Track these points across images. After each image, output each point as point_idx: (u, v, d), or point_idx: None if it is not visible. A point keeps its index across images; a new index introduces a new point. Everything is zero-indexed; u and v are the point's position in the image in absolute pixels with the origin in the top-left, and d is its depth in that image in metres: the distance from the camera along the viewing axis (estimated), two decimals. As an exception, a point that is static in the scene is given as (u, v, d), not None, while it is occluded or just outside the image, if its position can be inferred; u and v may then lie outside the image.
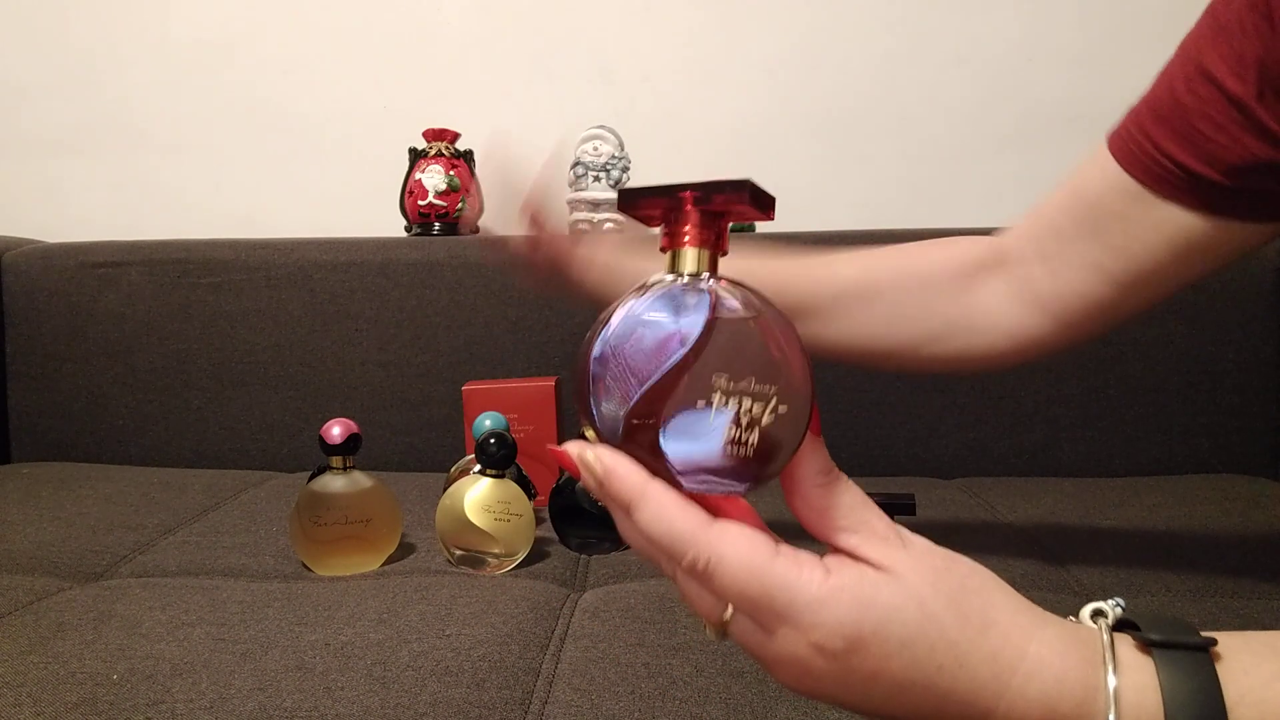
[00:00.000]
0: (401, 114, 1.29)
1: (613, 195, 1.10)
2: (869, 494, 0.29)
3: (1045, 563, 0.72)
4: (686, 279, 0.29)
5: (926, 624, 0.26)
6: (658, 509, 0.27)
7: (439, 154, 1.17)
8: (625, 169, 1.16)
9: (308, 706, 0.49)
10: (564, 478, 0.78)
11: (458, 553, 0.72)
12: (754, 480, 0.28)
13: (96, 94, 1.33)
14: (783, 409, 0.27)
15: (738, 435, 0.26)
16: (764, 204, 0.29)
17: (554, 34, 1.28)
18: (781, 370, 0.27)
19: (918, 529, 0.30)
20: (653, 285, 0.29)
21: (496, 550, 0.72)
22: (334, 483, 0.71)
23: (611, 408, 0.27)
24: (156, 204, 1.35)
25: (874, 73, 1.26)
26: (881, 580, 0.27)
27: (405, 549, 0.77)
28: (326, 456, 0.72)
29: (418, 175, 1.17)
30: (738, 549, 0.27)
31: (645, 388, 0.26)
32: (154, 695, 0.50)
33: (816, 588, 0.26)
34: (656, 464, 0.28)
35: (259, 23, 1.31)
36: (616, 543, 0.79)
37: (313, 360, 1.10)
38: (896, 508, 0.69)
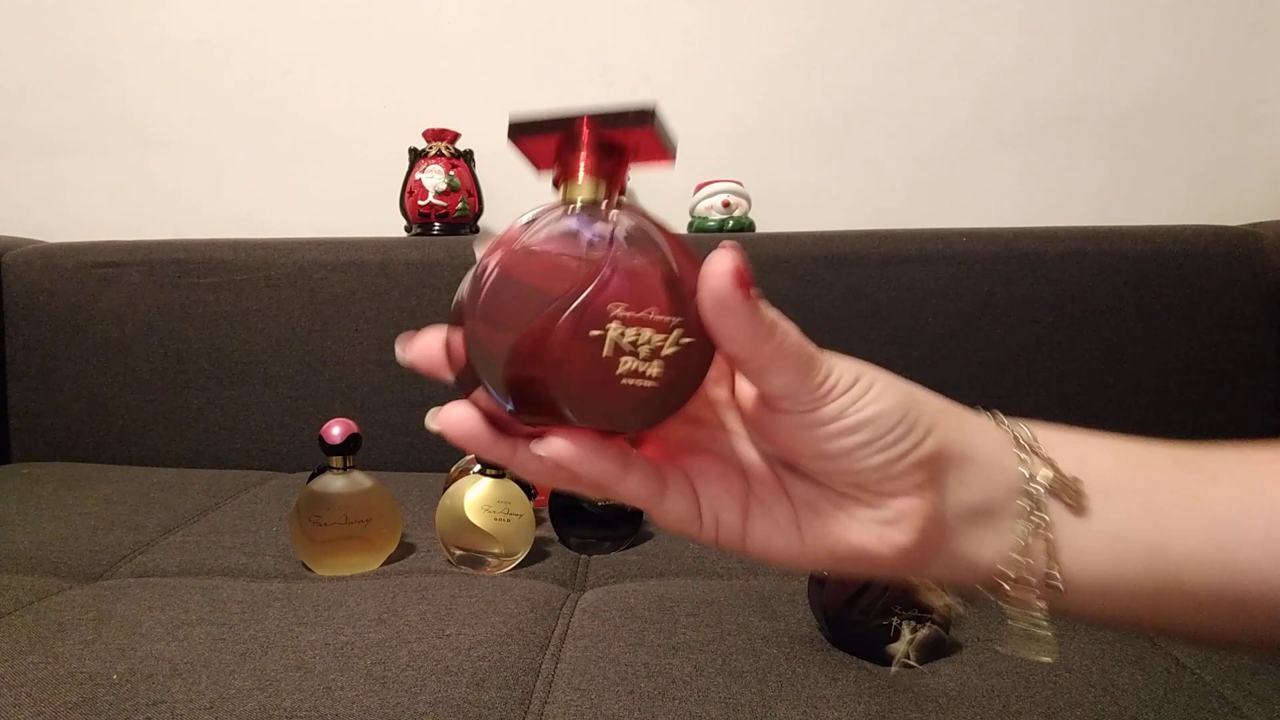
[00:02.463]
0: (401, 114, 1.29)
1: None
2: None
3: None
4: (580, 207, 0.27)
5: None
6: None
7: (439, 154, 1.17)
8: (625, 169, 1.16)
9: (308, 706, 0.49)
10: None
11: (458, 553, 0.72)
12: (652, 418, 0.26)
13: (96, 94, 1.33)
14: (686, 341, 0.25)
15: (636, 367, 0.25)
16: (667, 143, 0.28)
17: (554, 34, 1.28)
18: (686, 301, 0.25)
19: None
20: (543, 214, 0.27)
21: (496, 550, 0.72)
22: (334, 483, 0.71)
23: (498, 349, 0.25)
24: (156, 204, 1.35)
25: (874, 73, 1.26)
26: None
27: (405, 549, 0.77)
28: (326, 456, 0.72)
29: (418, 175, 1.17)
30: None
31: (537, 320, 0.24)
32: (154, 695, 0.50)
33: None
34: (545, 405, 0.25)
35: (259, 22, 1.31)
36: (616, 543, 0.79)
37: (313, 360, 1.10)
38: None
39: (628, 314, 0.24)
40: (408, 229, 1.20)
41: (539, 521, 0.78)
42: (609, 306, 0.24)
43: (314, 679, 0.52)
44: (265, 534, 0.81)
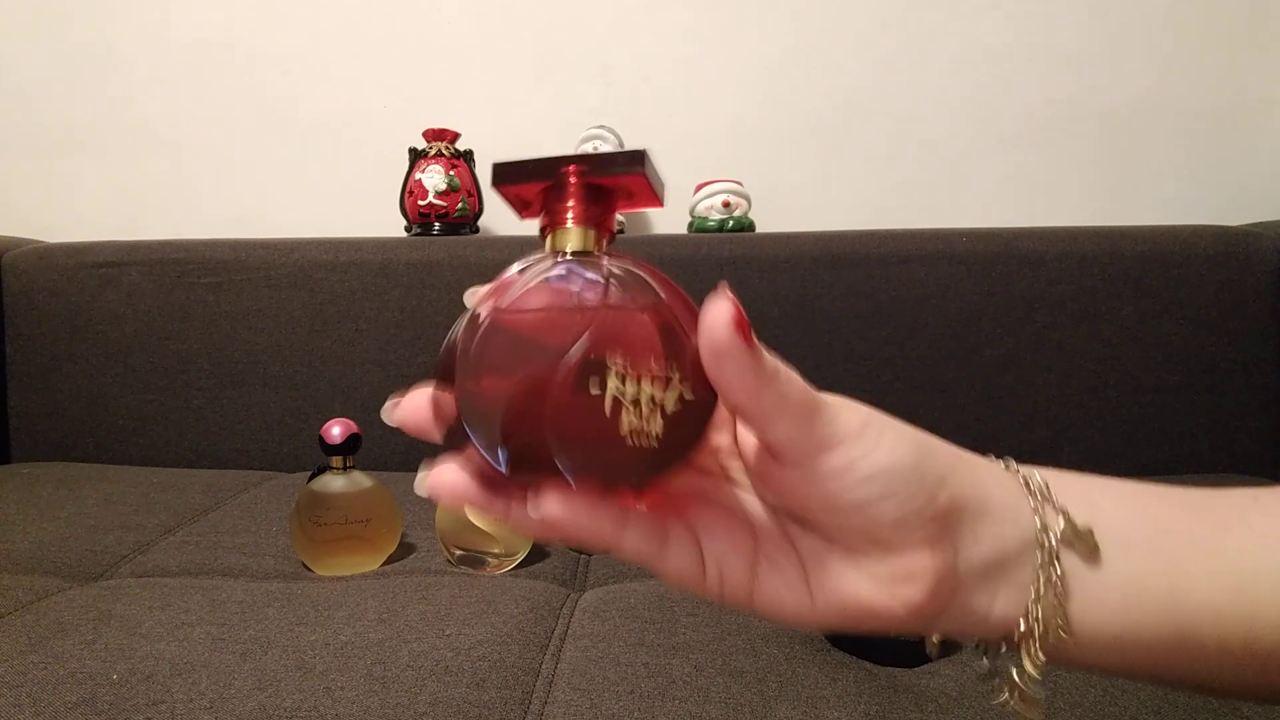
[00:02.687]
0: (401, 114, 1.29)
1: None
2: None
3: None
4: (571, 256, 0.26)
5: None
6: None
7: (439, 154, 1.17)
8: (625, 169, 1.16)
9: (308, 706, 0.49)
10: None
11: (458, 553, 0.72)
12: (653, 473, 0.25)
13: (97, 94, 1.33)
14: (687, 393, 0.24)
15: (637, 422, 0.23)
16: (657, 187, 0.27)
17: (554, 34, 1.28)
18: (685, 351, 0.24)
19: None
20: (531, 266, 0.25)
21: (496, 550, 0.72)
22: (334, 483, 0.71)
23: (491, 406, 0.23)
24: (156, 204, 1.35)
25: (874, 73, 1.26)
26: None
27: (405, 549, 0.77)
28: (326, 456, 0.72)
29: (418, 175, 1.17)
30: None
31: (531, 376, 0.23)
32: (154, 695, 0.50)
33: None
34: (541, 463, 0.24)
35: (259, 23, 1.31)
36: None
37: (313, 360, 1.10)
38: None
39: (626, 367, 0.23)
40: (408, 229, 1.20)
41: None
42: (607, 360, 0.23)
43: (314, 679, 0.52)
44: (265, 534, 0.81)
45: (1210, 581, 0.27)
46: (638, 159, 0.26)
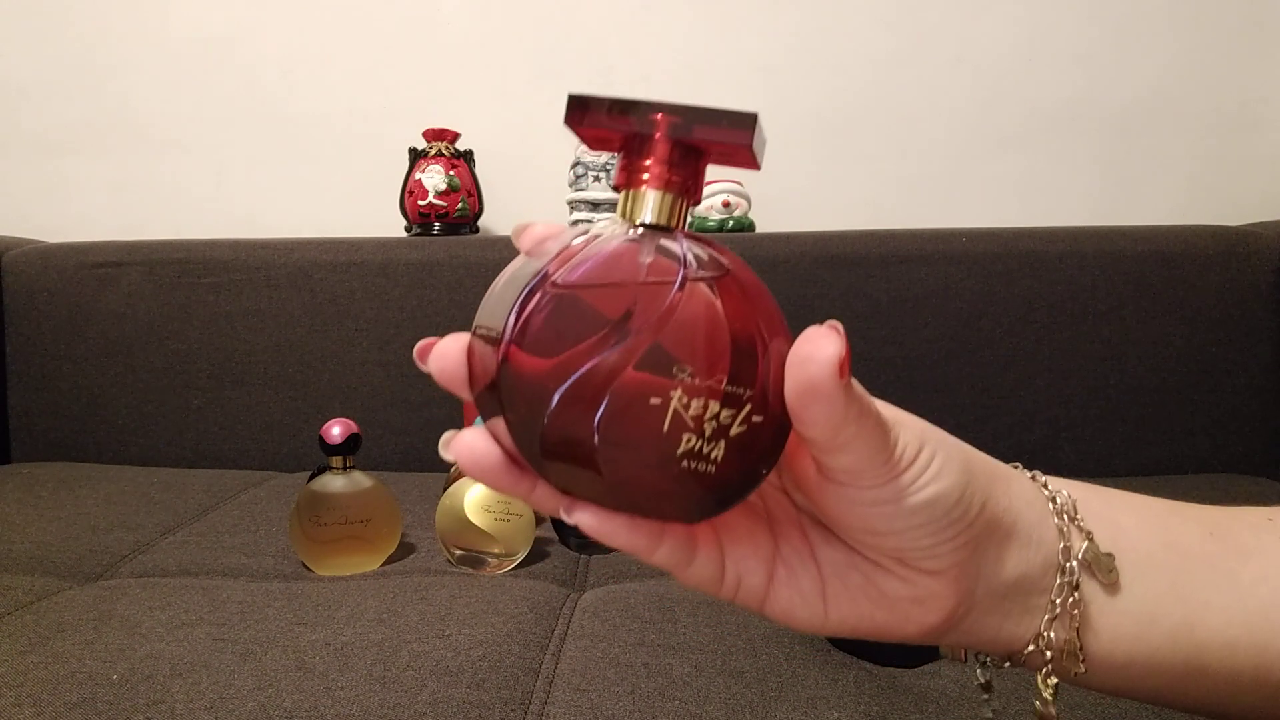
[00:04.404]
0: (401, 114, 1.29)
1: (614, 197, 1.10)
2: None
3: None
4: (643, 231, 0.22)
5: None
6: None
7: (439, 154, 1.17)
8: (625, 169, 1.15)
9: (308, 706, 0.49)
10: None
11: (458, 553, 0.72)
12: (707, 508, 0.22)
13: (96, 93, 1.33)
14: (757, 418, 0.21)
15: (697, 447, 0.21)
16: (760, 151, 0.23)
17: (554, 34, 1.28)
18: (761, 367, 0.21)
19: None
20: (598, 236, 0.22)
21: (496, 550, 0.72)
22: (334, 483, 0.71)
23: (528, 398, 0.21)
24: (156, 204, 1.35)
25: (874, 73, 1.26)
26: None
27: (405, 549, 0.77)
28: (326, 456, 0.72)
29: (418, 175, 1.17)
30: None
31: (580, 373, 0.20)
32: (154, 695, 0.50)
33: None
34: (586, 479, 0.21)
35: (259, 22, 1.31)
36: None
37: (313, 360, 1.10)
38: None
39: (694, 380, 0.20)
40: (408, 229, 1.20)
41: (539, 521, 0.78)
42: (674, 369, 0.20)
43: (314, 679, 0.52)
44: (265, 534, 0.81)
45: (1224, 612, 0.27)
46: (748, 123, 0.22)
